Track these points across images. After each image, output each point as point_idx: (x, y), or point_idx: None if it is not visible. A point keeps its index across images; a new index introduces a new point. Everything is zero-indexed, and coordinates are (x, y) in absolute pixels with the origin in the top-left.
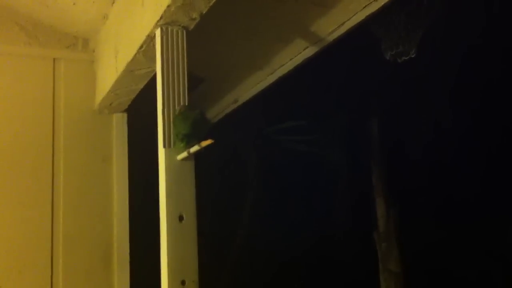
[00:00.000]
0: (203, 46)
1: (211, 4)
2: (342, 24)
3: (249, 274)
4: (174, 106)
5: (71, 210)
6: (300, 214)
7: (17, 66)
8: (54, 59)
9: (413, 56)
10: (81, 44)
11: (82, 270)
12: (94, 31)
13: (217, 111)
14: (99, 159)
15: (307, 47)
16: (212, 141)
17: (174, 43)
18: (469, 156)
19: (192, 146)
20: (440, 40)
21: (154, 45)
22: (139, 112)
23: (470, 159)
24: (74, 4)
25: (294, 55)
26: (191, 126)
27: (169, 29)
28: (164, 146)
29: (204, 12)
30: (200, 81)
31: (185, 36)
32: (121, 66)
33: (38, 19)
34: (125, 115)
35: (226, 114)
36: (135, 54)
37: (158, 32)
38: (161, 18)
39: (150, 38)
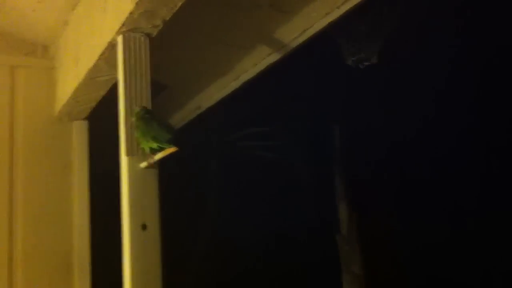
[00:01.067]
0: (166, 53)
1: (174, 11)
2: (304, 31)
3: (212, 277)
4: None
5: (31, 220)
6: (264, 218)
7: None
8: (12, 67)
9: (374, 62)
10: (40, 51)
11: (41, 281)
12: (54, 38)
13: (180, 118)
14: (59, 167)
15: (270, 54)
16: (177, 149)
17: (137, 50)
18: (441, 158)
19: (160, 151)
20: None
21: (116, 52)
22: (102, 120)
23: (442, 161)
24: (33, 10)
25: (257, 61)
26: (158, 132)
27: (132, 36)
28: (127, 154)
29: (167, 19)
30: (162, 88)
31: (148, 43)
32: (82, 73)
33: None
34: (86, 122)
35: (189, 121)
36: (96, 61)
37: (120, 39)
38: (123, 25)
39: (112, 45)
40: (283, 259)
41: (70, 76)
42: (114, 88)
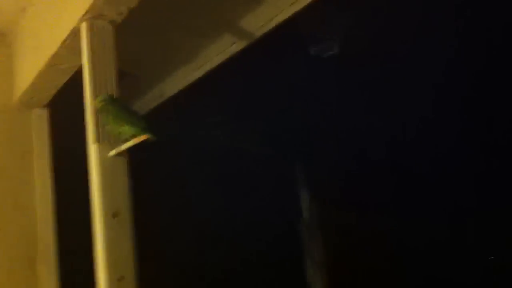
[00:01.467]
0: (128, 40)
1: None
2: (270, 20)
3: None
4: None
5: None
6: (226, 206)
7: None
8: None
9: (335, 52)
10: None
11: (4, 274)
12: (11, 25)
13: (142, 106)
14: (19, 156)
15: (235, 42)
16: (148, 137)
17: (101, 37)
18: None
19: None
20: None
21: (79, 39)
22: (63, 107)
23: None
24: None
25: (222, 50)
26: (132, 118)
27: (96, 23)
28: (95, 142)
29: (132, 6)
30: (124, 76)
31: (112, 30)
32: (43, 60)
33: None
34: (46, 110)
35: (152, 109)
36: (58, 48)
37: (84, 26)
38: (87, 12)
39: (75, 32)
40: (246, 246)
41: (29, 63)
42: (74, 75)
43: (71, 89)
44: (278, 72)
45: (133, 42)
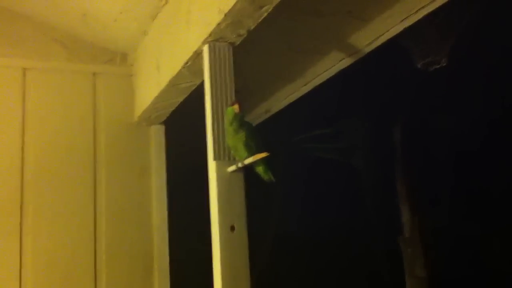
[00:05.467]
0: (240, 59)
1: (259, 21)
2: (379, 37)
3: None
4: (223, 120)
5: (113, 220)
6: (325, 220)
7: (59, 81)
8: (94, 74)
9: (444, 65)
10: (119, 59)
11: (124, 281)
12: (133, 46)
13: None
14: (138, 169)
15: (343, 59)
16: (268, 154)
17: (221, 58)
18: (498, 157)
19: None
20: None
21: (199, 61)
22: (175, 124)
23: (499, 160)
24: (115, 21)
25: (329, 66)
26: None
27: (217, 45)
28: (215, 159)
29: (251, 28)
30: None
31: (231, 51)
32: (164, 80)
33: (78, 36)
34: (163, 127)
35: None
36: (180, 69)
37: (206, 49)
38: (210, 35)
39: (197, 54)
40: (345, 261)
41: (151, 83)
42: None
43: (182, 106)
44: (385, 86)
45: (244, 60)
